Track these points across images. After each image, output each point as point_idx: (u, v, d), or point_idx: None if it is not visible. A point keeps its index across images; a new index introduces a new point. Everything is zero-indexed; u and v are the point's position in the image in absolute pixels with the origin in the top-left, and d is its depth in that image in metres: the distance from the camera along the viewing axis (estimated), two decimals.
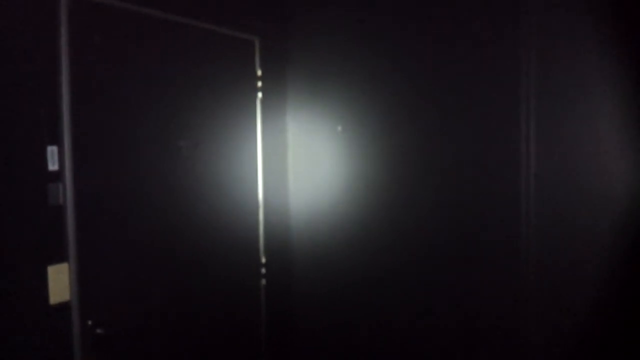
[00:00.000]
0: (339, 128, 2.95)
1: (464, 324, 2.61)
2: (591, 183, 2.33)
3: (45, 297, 1.98)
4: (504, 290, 2.50)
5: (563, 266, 2.39)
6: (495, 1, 2.48)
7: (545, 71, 2.38)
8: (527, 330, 2.46)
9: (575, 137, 2.35)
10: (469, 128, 2.56)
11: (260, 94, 2.96)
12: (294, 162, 3.16)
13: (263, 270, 3.01)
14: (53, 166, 2.01)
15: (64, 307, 2.04)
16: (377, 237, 2.86)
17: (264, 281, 3.01)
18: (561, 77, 2.36)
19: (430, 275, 2.70)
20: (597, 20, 2.31)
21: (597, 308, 2.36)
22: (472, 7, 2.53)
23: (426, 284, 2.72)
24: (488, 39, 2.50)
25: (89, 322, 2.12)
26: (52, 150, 2.01)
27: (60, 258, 2.04)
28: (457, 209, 2.60)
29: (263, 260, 3.01)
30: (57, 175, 2.02)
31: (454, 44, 2.58)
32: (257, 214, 2.98)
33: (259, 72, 2.95)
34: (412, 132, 2.71)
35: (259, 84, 2.95)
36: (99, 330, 2.14)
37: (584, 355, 2.38)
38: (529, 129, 2.41)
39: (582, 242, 2.36)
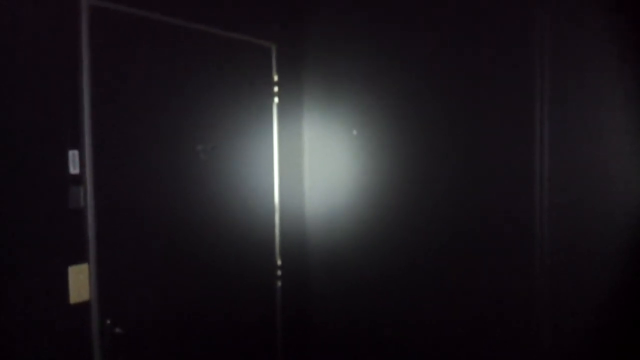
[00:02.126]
0: (354, 132, 2.98)
1: (477, 323, 2.62)
2: (604, 186, 2.33)
3: (66, 296, 2.05)
4: (518, 289, 2.50)
5: (576, 268, 2.39)
6: (508, 6, 2.49)
7: (559, 74, 2.38)
8: (540, 330, 2.46)
9: (588, 140, 2.35)
10: (482, 131, 2.57)
11: (276, 99, 3.00)
12: (310, 166, 3.20)
13: (279, 272, 3.05)
14: (74, 170, 2.07)
15: (83, 306, 2.10)
16: (391, 239, 2.88)
17: (279, 283, 3.05)
18: (575, 81, 2.36)
19: (446, 275, 2.71)
20: (611, 23, 2.30)
21: (609, 308, 2.35)
22: (485, 11, 2.55)
23: (441, 284, 2.73)
24: (501, 42, 2.51)
25: (108, 321, 2.17)
26: (73, 154, 2.07)
27: (81, 259, 2.10)
28: (471, 210, 2.61)
29: (279, 262, 3.05)
30: (78, 179, 2.09)
31: (466, 48, 2.60)
32: (273, 217, 3.02)
33: (276, 78, 3.00)
34: (427, 135, 2.73)
35: (276, 89, 3.00)
36: (117, 330, 2.20)
37: (596, 354, 2.37)
38: (542, 131, 2.42)
39: (595, 244, 2.36)
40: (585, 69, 2.34)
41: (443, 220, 2.70)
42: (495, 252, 2.56)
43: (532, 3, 2.42)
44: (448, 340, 2.73)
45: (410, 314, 2.85)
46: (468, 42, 2.60)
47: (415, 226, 2.80)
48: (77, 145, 2.08)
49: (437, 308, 2.75)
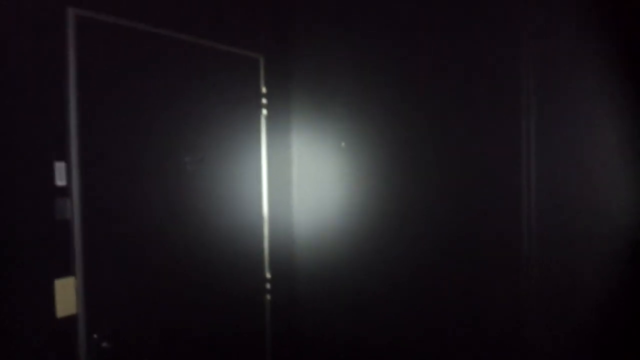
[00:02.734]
0: (343, 144, 2.98)
1: (470, 336, 2.61)
2: (592, 186, 2.34)
3: (52, 310, 2.01)
4: (507, 294, 2.50)
5: (565, 269, 2.40)
6: (493, 18, 2.51)
7: (546, 74, 2.40)
8: (530, 333, 2.46)
9: (576, 140, 2.36)
10: (469, 138, 2.58)
11: (264, 111, 3.00)
12: (298, 177, 3.19)
13: (268, 286, 3.02)
14: (60, 181, 2.05)
15: (70, 320, 2.07)
16: (381, 250, 2.88)
17: (269, 296, 3.02)
18: (562, 80, 2.38)
19: (434, 285, 2.70)
20: (598, 23, 2.33)
21: (600, 310, 2.35)
22: (470, 24, 2.57)
23: (430, 295, 2.72)
24: (487, 55, 2.53)
25: (95, 336, 2.14)
26: (59, 166, 2.05)
27: (67, 272, 2.07)
28: (460, 220, 2.62)
29: (268, 275, 3.03)
30: (65, 191, 2.06)
31: (452, 62, 2.62)
32: (261, 229, 3.00)
33: (264, 89, 3.00)
34: (414, 145, 2.74)
35: (264, 100, 3.00)
36: (104, 344, 2.16)
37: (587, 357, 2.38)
38: (529, 135, 2.43)
39: (584, 244, 2.36)
40: (572, 72, 2.36)
41: (432, 229, 2.70)
42: (485, 259, 2.55)
43: (517, 14, 2.45)
44: (438, 351, 2.71)
45: (400, 327, 2.83)
46: (454, 56, 2.62)
47: (404, 237, 2.79)
48: (64, 156, 2.06)
49: (427, 319, 2.74)
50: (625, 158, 2.29)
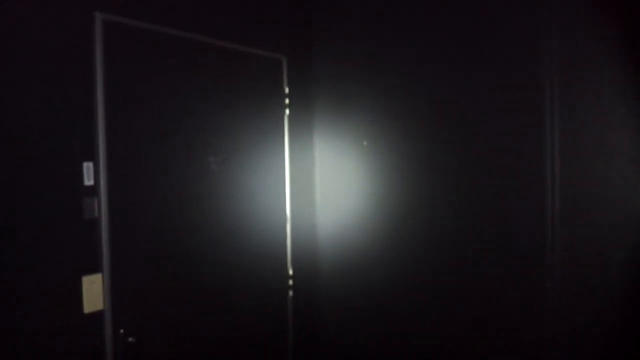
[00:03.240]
0: (365, 142, 3.00)
1: (490, 336, 2.61)
2: (614, 192, 2.33)
3: (80, 306, 2.08)
4: (529, 298, 2.50)
5: (587, 274, 2.39)
6: (517, 18, 2.50)
7: (569, 83, 2.39)
8: (551, 337, 2.45)
9: (599, 148, 2.35)
10: (493, 139, 2.58)
11: (287, 111, 3.04)
12: (321, 176, 3.22)
13: (290, 283, 3.06)
14: (89, 181, 2.12)
15: (97, 316, 2.13)
16: (402, 249, 2.89)
17: (291, 293, 3.06)
18: (585, 89, 2.36)
19: (455, 284, 2.71)
20: (623, 31, 2.31)
21: (620, 314, 2.34)
22: (493, 24, 2.57)
23: (452, 294, 2.72)
24: (510, 54, 2.52)
25: (121, 331, 2.20)
26: (87, 166, 2.11)
27: (94, 269, 2.13)
28: (483, 221, 2.62)
29: (290, 272, 3.07)
30: (93, 190, 2.13)
31: (476, 62, 2.62)
32: (284, 227, 3.04)
33: (287, 90, 3.03)
34: (437, 144, 2.74)
35: (287, 101, 3.03)
36: (130, 339, 2.22)
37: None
38: (553, 140, 2.42)
39: (605, 250, 2.35)
40: (596, 78, 2.35)
41: (454, 229, 2.71)
42: (507, 261, 2.55)
43: (541, 15, 2.44)
44: (462, 353, 2.72)
45: (422, 327, 2.84)
46: (477, 56, 2.61)
47: (427, 236, 2.80)
48: (92, 157, 2.13)
49: (453, 321, 2.74)
50: None
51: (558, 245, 2.42)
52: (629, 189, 2.29)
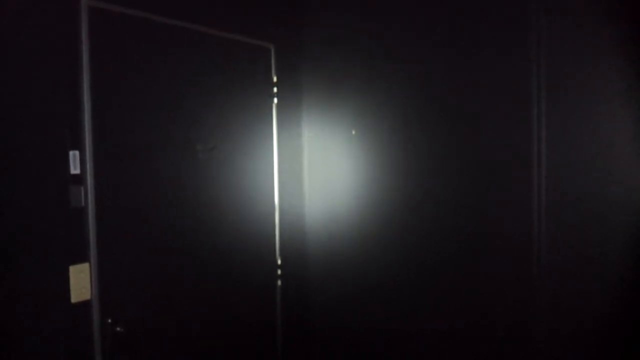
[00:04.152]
0: (353, 131, 3.00)
1: (477, 325, 2.64)
2: (602, 184, 2.34)
3: (67, 295, 2.06)
4: (516, 292, 2.52)
5: (575, 270, 2.40)
6: (505, 7, 2.50)
7: (556, 72, 2.40)
8: (538, 335, 2.48)
9: (586, 139, 2.36)
10: (480, 129, 2.58)
11: (275, 99, 3.02)
12: (309, 165, 3.21)
13: (279, 272, 3.06)
14: (75, 170, 2.09)
15: (84, 305, 2.12)
16: (390, 238, 2.90)
17: (279, 282, 3.06)
18: (571, 79, 2.37)
19: (446, 275, 2.72)
20: (609, 19, 2.31)
21: (609, 310, 2.36)
22: (482, 12, 2.57)
23: (442, 285, 2.74)
24: (498, 42, 2.52)
25: (109, 320, 2.19)
26: (74, 155, 2.08)
27: (82, 258, 2.11)
28: (469, 210, 2.63)
29: (279, 261, 3.06)
30: (79, 179, 2.10)
31: (464, 49, 2.61)
32: (273, 216, 3.04)
33: (275, 78, 3.01)
34: (425, 133, 2.75)
35: (275, 89, 3.01)
36: (118, 328, 2.21)
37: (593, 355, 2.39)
38: (540, 131, 2.43)
39: (594, 245, 2.37)
40: (583, 66, 2.35)
41: (442, 218, 2.72)
42: (495, 253, 2.57)
43: (528, 2, 2.44)
44: (448, 343, 2.74)
45: (409, 314, 2.86)
46: (465, 43, 2.62)
47: (414, 225, 2.81)
48: (78, 145, 2.10)
49: (437, 309, 2.76)
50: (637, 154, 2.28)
51: (544, 237, 2.44)
52: (620, 182, 2.30)
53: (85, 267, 2.12)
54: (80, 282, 2.10)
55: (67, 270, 2.06)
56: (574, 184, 2.38)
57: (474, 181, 2.61)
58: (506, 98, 2.50)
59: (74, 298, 2.08)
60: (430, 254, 2.76)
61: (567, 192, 2.40)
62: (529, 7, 2.43)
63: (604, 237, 2.34)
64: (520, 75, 2.46)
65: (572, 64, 2.37)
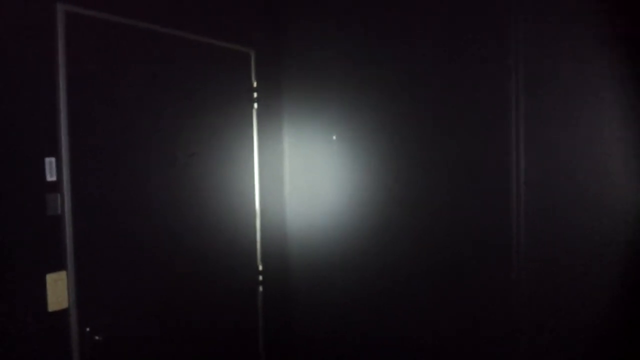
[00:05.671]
0: (334, 137, 3.00)
1: (460, 334, 2.64)
2: (582, 188, 2.35)
3: (44, 304, 2.03)
4: (497, 296, 2.53)
5: (556, 272, 2.42)
6: (482, 8, 2.52)
7: (535, 75, 2.41)
8: (520, 337, 2.49)
9: (566, 143, 2.37)
10: (460, 136, 2.59)
11: (256, 105, 3.01)
12: (290, 171, 3.21)
13: (260, 278, 3.05)
14: (51, 177, 2.07)
15: (62, 314, 2.09)
16: (371, 243, 2.90)
17: (261, 288, 3.05)
18: (551, 80, 2.39)
19: (428, 279, 2.72)
20: (589, 18, 2.33)
21: (589, 314, 2.37)
22: (459, 15, 2.58)
23: (423, 290, 2.74)
24: (477, 42, 2.54)
25: (87, 329, 2.16)
26: (50, 162, 2.06)
27: (59, 266, 2.09)
28: (449, 216, 2.64)
29: (260, 267, 3.05)
30: (55, 186, 2.08)
31: (442, 54, 2.63)
32: (254, 222, 3.02)
33: (255, 84, 3.01)
34: (405, 139, 2.76)
35: (255, 94, 3.01)
36: (97, 337, 2.18)
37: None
38: (518, 136, 2.45)
39: (575, 248, 2.38)
40: (561, 65, 2.36)
41: (420, 224, 2.72)
42: (475, 256, 2.58)
43: (508, 8, 2.46)
44: (429, 346, 2.74)
45: (391, 320, 2.86)
46: (445, 49, 2.63)
47: (395, 228, 2.81)
48: (54, 152, 2.08)
49: (420, 315, 2.76)
50: (620, 157, 2.29)
51: (523, 239, 2.45)
52: (599, 185, 2.31)
53: (62, 275, 2.09)
54: (58, 290, 2.07)
55: (44, 279, 2.03)
56: (552, 189, 2.40)
57: (455, 181, 2.62)
58: (486, 102, 2.52)
59: (51, 307, 2.05)
60: (413, 258, 2.76)
61: (545, 197, 2.41)
62: (509, 12, 2.45)
63: (584, 241, 2.35)
64: (499, 77, 2.47)
65: (551, 67, 2.38)
